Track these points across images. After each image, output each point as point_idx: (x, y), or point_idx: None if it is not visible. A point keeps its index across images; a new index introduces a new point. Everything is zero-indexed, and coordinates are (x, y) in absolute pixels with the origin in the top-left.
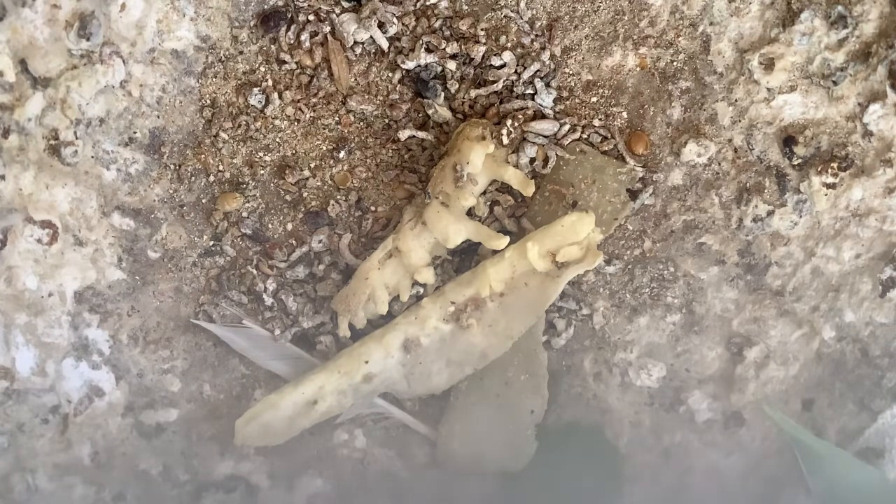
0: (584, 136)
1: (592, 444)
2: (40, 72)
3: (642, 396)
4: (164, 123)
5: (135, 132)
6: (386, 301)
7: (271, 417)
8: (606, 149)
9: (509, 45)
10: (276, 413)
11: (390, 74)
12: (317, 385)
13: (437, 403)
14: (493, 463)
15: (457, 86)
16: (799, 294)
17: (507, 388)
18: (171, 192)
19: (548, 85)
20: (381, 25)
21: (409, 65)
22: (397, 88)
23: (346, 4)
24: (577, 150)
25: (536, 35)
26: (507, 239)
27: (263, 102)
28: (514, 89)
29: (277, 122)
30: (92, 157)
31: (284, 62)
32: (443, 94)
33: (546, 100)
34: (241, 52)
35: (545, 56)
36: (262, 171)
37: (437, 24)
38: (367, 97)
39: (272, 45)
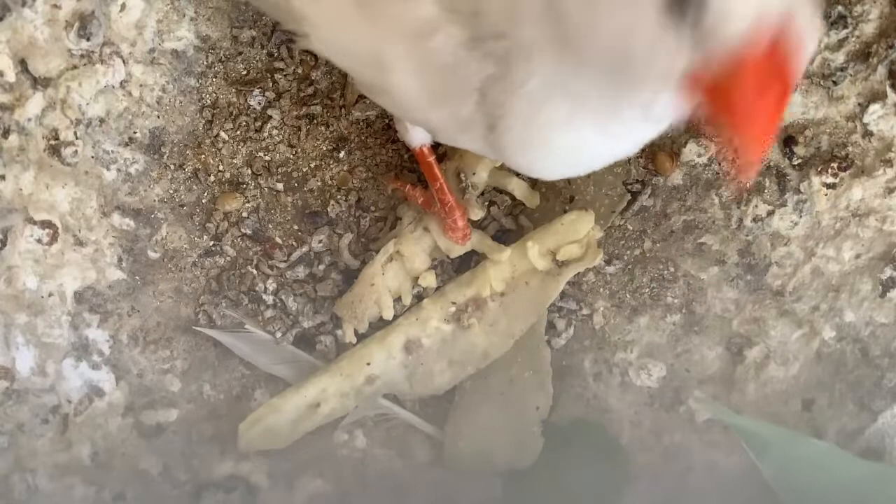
0: None
1: (598, 441)
2: (40, 72)
3: (642, 396)
4: (164, 123)
5: (135, 132)
6: (391, 306)
7: (274, 421)
8: None
9: None
10: (279, 417)
11: None
12: (319, 388)
13: (438, 403)
14: (500, 461)
15: None
16: (799, 294)
17: (511, 386)
18: (171, 192)
19: None
20: None
21: None
22: None
23: None
24: None
25: None
26: (508, 252)
27: (264, 103)
28: None
29: (277, 122)
30: (92, 157)
31: (285, 61)
32: None
33: None
34: (240, 53)
35: None
36: (263, 171)
37: None
38: (368, 102)
39: (272, 45)
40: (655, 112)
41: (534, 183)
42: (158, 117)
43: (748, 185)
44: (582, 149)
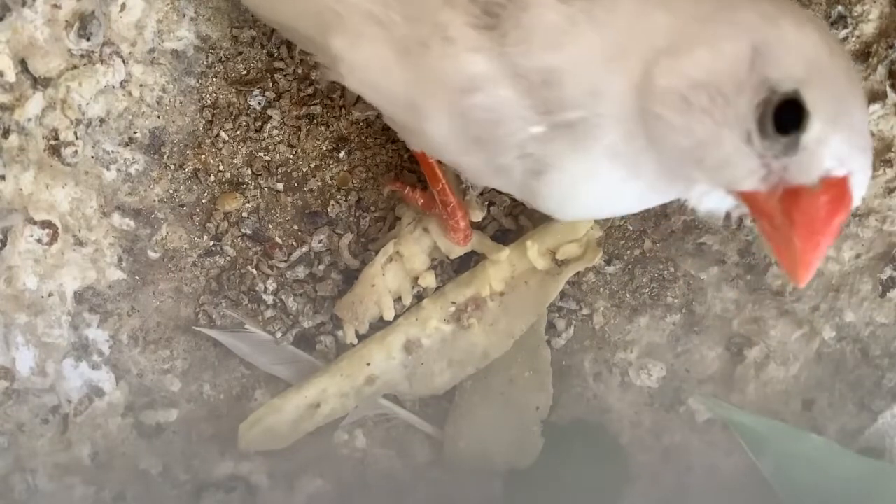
0: None
1: (598, 441)
2: (40, 72)
3: (642, 396)
4: (164, 123)
5: (135, 132)
6: (392, 307)
7: (275, 421)
8: None
9: None
10: (279, 417)
11: None
12: (319, 388)
13: (438, 403)
14: (500, 461)
15: None
16: (799, 294)
17: (511, 386)
18: (171, 192)
19: None
20: None
21: None
22: None
23: None
24: None
25: None
26: (507, 251)
27: (264, 103)
28: None
29: (277, 122)
30: (92, 157)
31: (284, 61)
32: None
33: None
34: (240, 53)
35: None
36: (263, 171)
37: None
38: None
39: (272, 45)
40: (702, 200)
41: None
42: (158, 117)
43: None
44: (618, 204)
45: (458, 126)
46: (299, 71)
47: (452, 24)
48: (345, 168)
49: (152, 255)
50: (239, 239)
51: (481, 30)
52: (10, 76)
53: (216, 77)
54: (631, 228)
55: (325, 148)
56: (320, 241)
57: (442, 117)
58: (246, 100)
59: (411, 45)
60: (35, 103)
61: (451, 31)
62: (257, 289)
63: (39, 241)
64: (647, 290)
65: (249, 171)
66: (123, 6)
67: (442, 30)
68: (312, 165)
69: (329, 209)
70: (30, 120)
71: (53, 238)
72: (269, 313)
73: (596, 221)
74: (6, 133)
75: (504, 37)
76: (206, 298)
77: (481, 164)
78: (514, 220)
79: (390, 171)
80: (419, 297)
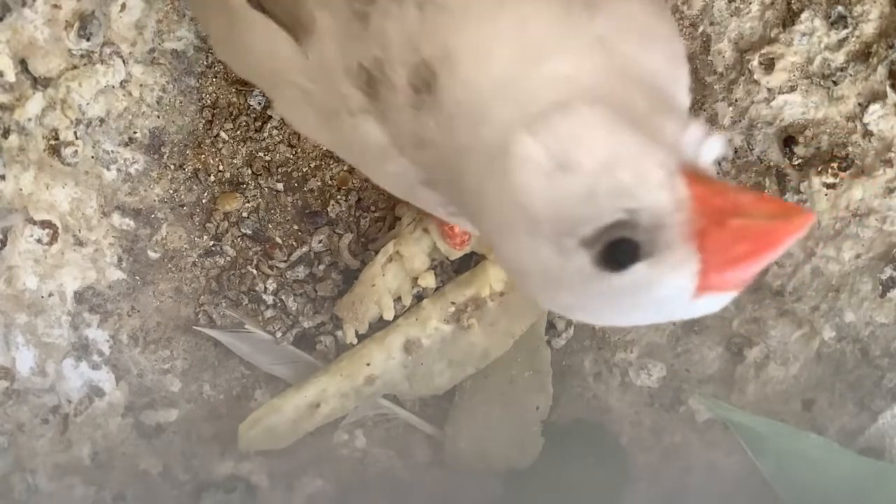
0: None
1: (598, 441)
2: (40, 72)
3: (642, 396)
4: (164, 123)
5: (135, 132)
6: (391, 307)
7: (274, 421)
8: None
9: None
10: (279, 417)
11: None
12: (319, 388)
13: (438, 403)
14: (500, 460)
15: None
16: (799, 294)
17: (511, 386)
18: (171, 192)
19: None
20: None
21: None
22: None
23: None
24: None
25: None
26: None
27: (264, 103)
28: None
29: (277, 122)
30: (92, 157)
31: None
32: None
33: None
34: None
35: None
36: (263, 171)
37: None
38: None
39: None
40: None
41: None
42: (158, 117)
43: None
44: None
45: (389, 182)
46: None
47: (352, 94)
48: (345, 168)
49: (152, 255)
50: (239, 239)
51: (368, 96)
52: (10, 76)
53: (216, 77)
54: None
55: (325, 148)
56: (320, 241)
57: (378, 171)
58: (246, 100)
59: (329, 114)
60: (35, 103)
61: (352, 102)
62: (257, 289)
63: (39, 241)
64: None
65: (249, 171)
66: (123, 6)
67: (346, 101)
68: (312, 165)
69: (329, 209)
70: (30, 120)
71: (53, 238)
72: (269, 313)
73: None
74: (6, 133)
75: (383, 112)
76: (206, 298)
77: (426, 202)
78: None
79: None
80: (419, 298)
